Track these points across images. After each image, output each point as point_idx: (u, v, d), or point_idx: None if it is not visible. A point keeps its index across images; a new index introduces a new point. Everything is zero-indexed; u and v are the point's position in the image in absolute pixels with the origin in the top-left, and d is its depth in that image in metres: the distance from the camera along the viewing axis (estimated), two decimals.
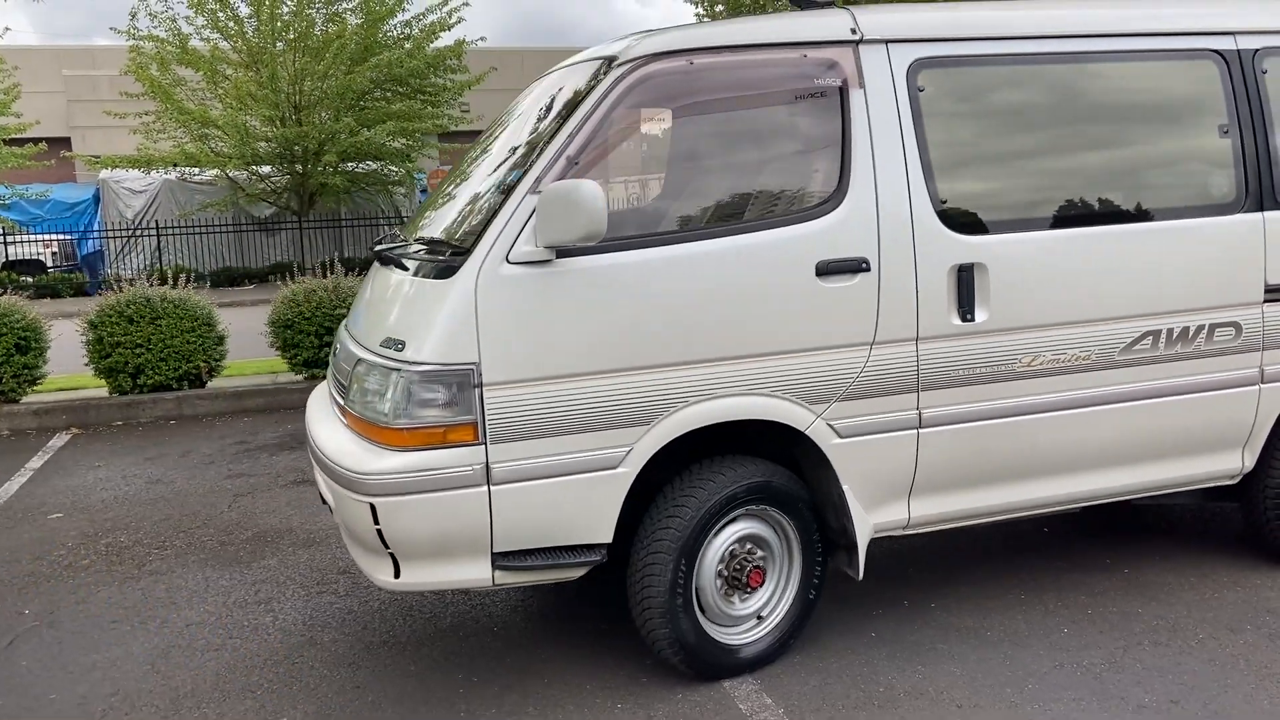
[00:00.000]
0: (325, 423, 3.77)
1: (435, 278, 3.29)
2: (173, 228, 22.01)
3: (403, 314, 3.38)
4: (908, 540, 4.47)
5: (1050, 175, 3.81)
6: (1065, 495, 3.92)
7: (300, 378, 8.55)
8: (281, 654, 3.92)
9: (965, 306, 3.59)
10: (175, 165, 20.54)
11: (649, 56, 3.37)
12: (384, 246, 3.91)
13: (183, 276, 8.86)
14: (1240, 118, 3.95)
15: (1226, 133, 3.93)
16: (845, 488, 3.56)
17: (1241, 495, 4.26)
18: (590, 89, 3.34)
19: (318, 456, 3.59)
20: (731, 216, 3.42)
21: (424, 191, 25.30)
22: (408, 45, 21.64)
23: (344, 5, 21.11)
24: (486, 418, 3.19)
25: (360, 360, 3.45)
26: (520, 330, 3.21)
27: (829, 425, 3.52)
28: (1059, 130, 3.83)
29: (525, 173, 3.26)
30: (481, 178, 3.79)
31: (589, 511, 3.34)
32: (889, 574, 4.37)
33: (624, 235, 3.28)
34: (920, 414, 3.62)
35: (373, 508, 3.20)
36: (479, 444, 3.20)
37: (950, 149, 3.63)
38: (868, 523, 3.63)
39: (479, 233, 3.24)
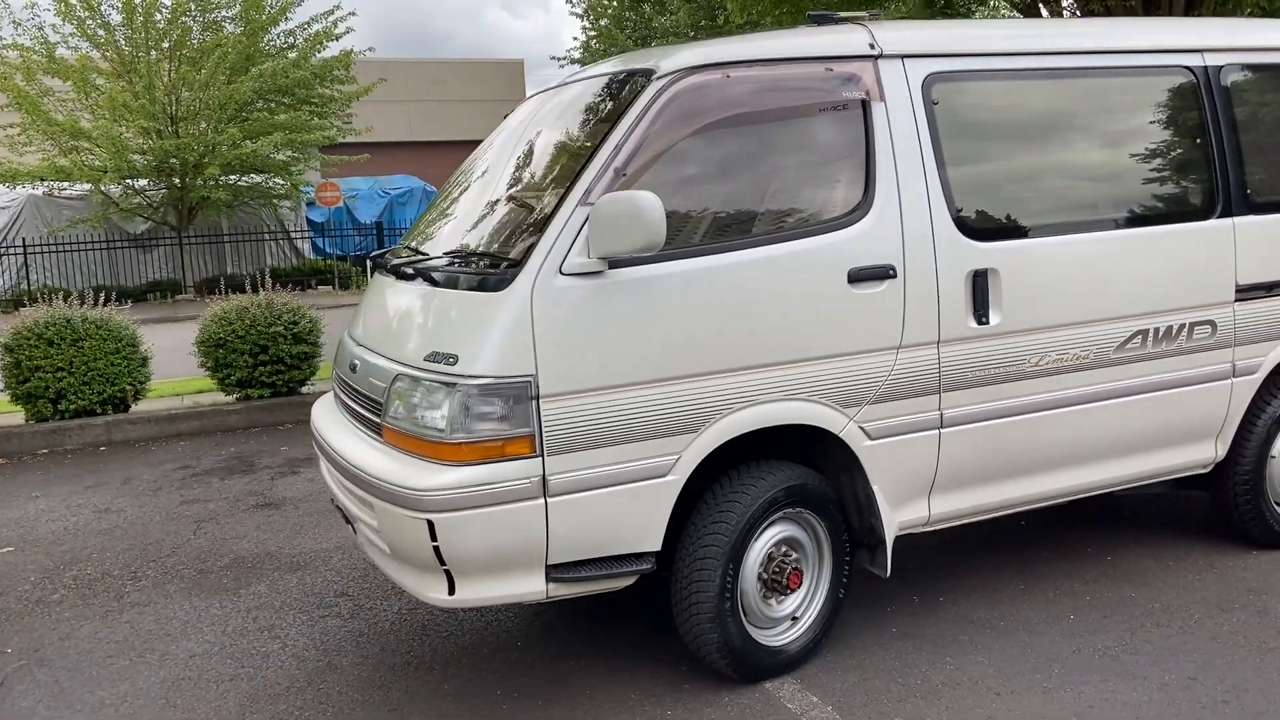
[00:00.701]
0: (345, 437, 3.70)
1: (483, 290, 3.27)
2: (40, 245, 20.89)
3: (449, 327, 3.34)
4: (900, 538, 4.61)
5: (1052, 184, 4.02)
6: (1067, 488, 4.12)
7: (231, 399, 8.27)
8: (303, 680, 3.81)
9: (980, 310, 3.76)
10: (43, 179, 19.54)
11: (688, 69, 3.43)
12: (399, 261, 3.86)
13: (101, 295, 8.47)
14: (1210, 129, 4.23)
15: (1200, 143, 4.21)
16: (875, 488, 3.68)
17: (1210, 483, 4.54)
18: (631, 100, 3.38)
19: (349, 472, 3.51)
20: (770, 226, 3.50)
21: (310, 204, 24.73)
22: (292, 55, 21.18)
23: (222, 14, 20.52)
24: (544, 430, 3.19)
25: (400, 376, 3.40)
26: (575, 341, 3.22)
27: (860, 428, 3.62)
28: (1059, 140, 4.04)
29: (572, 184, 3.27)
30: (501, 191, 3.79)
31: (640, 520, 3.37)
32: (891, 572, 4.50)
33: (670, 245, 3.32)
34: (942, 414, 3.77)
35: (430, 524, 3.16)
36: (536, 456, 3.19)
37: (963, 159, 3.79)
38: (894, 521, 3.75)
39: (529, 244, 3.23)
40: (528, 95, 4.45)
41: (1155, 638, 3.82)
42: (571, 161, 3.45)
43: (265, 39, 21.06)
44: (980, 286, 3.75)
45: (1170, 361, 4.16)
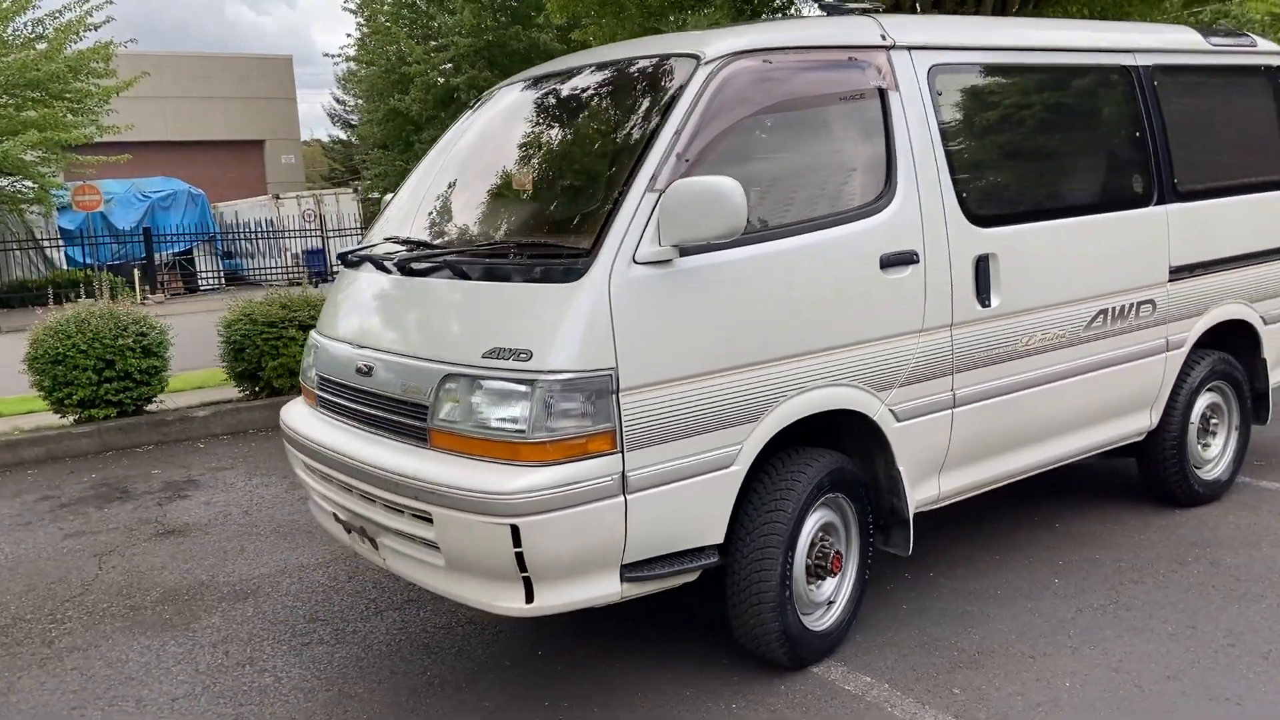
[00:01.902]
0: (358, 444, 3.45)
1: (553, 281, 3.12)
2: None
3: (514, 322, 3.15)
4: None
5: (1033, 171, 4.25)
6: (1045, 460, 4.38)
7: (69, 420, 7.47)
8: (320, 714, 3.51)
9: (984, 293, 3.93)
10: None
11: (734, 54, 3.40)
12: (408, 255, 3.61)
13: None
14: (1146, 122, 4.60)
15: (1139, 136, 4.57)
16: (900, 469, 3.77)
17: (1140, 451, 4.94)
18: (683, 85, 3.32)
19: (382, 481, 3.27)
20: (814, 212, 3.52)
21: (64, 209, 22.71)
22: (41, 46, 19.43)
23: None
24: (624, 424, 3.08)
25: (451, 376, 3.19)
26: (650, 332, 3.13)
27: (890, 410, 3.71)
28: (1037, 130, 4.28)
29: (634, 170, 3.17)
30: (525, 178, 3.63)
31: (707, 513, 3.32)
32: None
33: None
34: (954, 394, 3.91)
35: (514, 529, 2.98)
36: (617, 453, 3.08)
37: (962, 147, 3.94)
38: (914, 500, 3.86)
39: (597, 233, 3.11)
40: (500, 91, 4.21)
41: (1138, 594, 4.11)
42: (621, 147, 3.35)
43: (9, 28, 19.21)
44: (983, 271, 3.92)
45: (1124, 338, 4.49)
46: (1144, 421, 4.75)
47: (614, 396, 3.06)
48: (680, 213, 3.05)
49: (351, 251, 4.14)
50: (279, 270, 25.14)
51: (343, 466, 3.54)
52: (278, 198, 27.90)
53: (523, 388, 3.03)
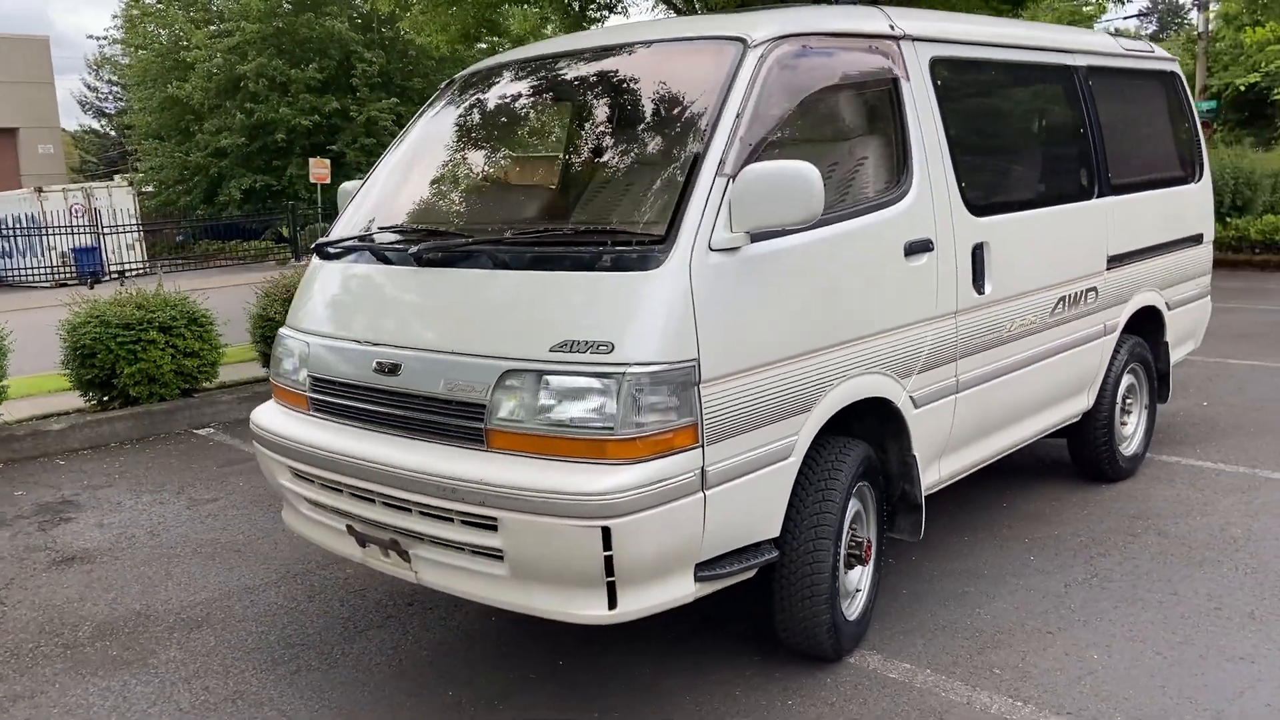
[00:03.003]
0: (388, 449, 3.18)
1: (628, 269, 2.95)
2: None
3: (588, 312, 2.96)
4: None
5: (1015, 163, 4.40)
6: (1014, 442, 4.54)
7: None
8: None
9: (979, 280, 4.03)
10: None
11: (778, 39, 3.34)
12: (432, 245, 3.33)
13: None
14: (1087, 119, 4.85)
15: (1082, 131, 4.82)
16: (915, 454, 3.82)
17: (1073, 431, 5.21)
18: (736, 68, 3.22)
19: (431, 488, 3.01)
20: (853, 198, 3.51)
21: None
22: None
23: None
24: (704, 417, 2.97)
25: (512, 372, 2.98)
26: (724, 321, 3.03)
27: (910, 397, 3.75)
28: (1013, 122, 4.44)
29: (702, 155, 3.06)
30: (558, 162, 3.42)
31: (769, 507, 3.25)
32: None
33: None
34: (958, 380, 3.99)
35: (605, 531, 2.81)
36: (698, 447, 2.96)
37: (959, 137, 4.03)
38: (925, 485, 3.92)
39: (670, 219, 2.98)
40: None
41: (1111, 566, 4.33)
42: (678, 130, 3.23)
43: None
44: (978, 259, 4.02)
45: (1076, 324, 4.73)
46: (1084, 402, 5.01)
47: (696, 389, 2.94)
48: (756, 198, 2.97)
49: (332, 243, 3.81)
50: (44, 270, 23.01)
51: (363, 473, 3.25)
52: (40, 190, 25.53)
53: (606, 382, 2.86)
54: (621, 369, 2.85)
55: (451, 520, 3.07)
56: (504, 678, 3.60)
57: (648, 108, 3.43)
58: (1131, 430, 5.46)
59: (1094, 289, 4.82)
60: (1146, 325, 5.44)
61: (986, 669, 3.52)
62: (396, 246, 3.51)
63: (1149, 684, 3.38)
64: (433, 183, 3.76)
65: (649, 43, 3.61)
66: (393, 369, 3.27)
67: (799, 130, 3.41)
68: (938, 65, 3.96)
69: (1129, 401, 5.43)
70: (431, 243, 3.33)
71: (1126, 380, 5.33)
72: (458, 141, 3.85)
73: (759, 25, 3.36)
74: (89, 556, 4.91)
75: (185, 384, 7.57)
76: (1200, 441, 5.99)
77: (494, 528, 2.97)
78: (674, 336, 2.90)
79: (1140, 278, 5.20)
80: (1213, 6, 26.63)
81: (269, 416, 3.76)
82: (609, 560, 2.85)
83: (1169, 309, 5.55)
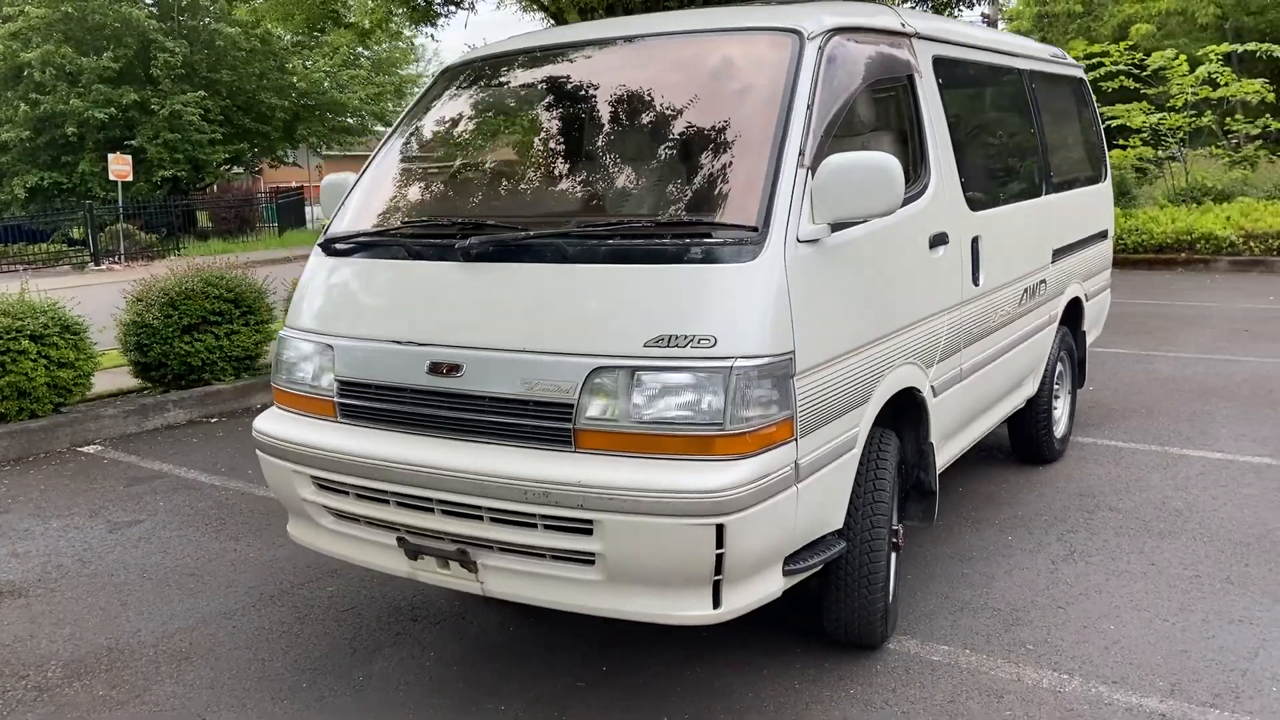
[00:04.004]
0: (457, 455, 3.02)
1: (716, 261, 2.89)
2: None
3: (684, 305, 2.86)
4: None
5: (996, 160, 4.57)
6: (987, 428, 4.73)
7: None
8: None
9: (975, 273, 4.18)
10: None
11: (830, 31, 3.37)
12: (485, 239, 3.15)
13: None
14: (1035, 119, 5.11)
15: (1032, 131, 5.07)
16: (932, 441, 3.92)
17: (1014, 416, 5.47)
18: (799, 60, 3.22)
19: (528, 492, 2.87)
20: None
21: None
22: None
23: None
24: (798, 410, 2.95)
25: (602, 370, 2.87)
26: (811, 312, 3.02)
27: (931, 386, 3.85)
28: (991, 122, 4.61)
29: (780, 146, 3.04)
30: (622, 152, 3.32)
31: (839, 499, 3.26)
32: None
33: None
34: (961, 369, 4.13)
35: (719, 529, 2.76)
36: (793, 440, 2.95)
37: (957, 132, 4.16)
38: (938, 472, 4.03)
39: (757, 210, 2.95)
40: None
41: (1084, 541, 4.57)
42: (748, 121, 3.19)
43: None
44: (975, 251, 4.17)
45: (1033, 314, 4.98)
46: (1032, 388, 5.28)
47: (792, 381, 2.92)
48: (840, 190, 2.97)
49: (343, 238, 3.57)
50: None
51: (420, 480, 3.06)
52: None
53: (712, 376, 2.80)
54: (728, 362, 2.80)
55: (534, 526, 2.94)
56: (550, 687, 3.47)
57: (704, 97, 3.37)
58: (1059, 414, 5.78)
59: (1044, 281, 5.08)
60: (1071, 315, 5.78)
61: (1019, 646, 3.65)
62: (434, 241, 3.32)
63: (1171, 649, 3.59)
64: (458, 175, 3.58)
65: (689, 32, 3.56)
66: (452, 370, 3.09)
67: (852, 122, 3.44)
68: (939, 64, 4.08)
69: (1058, 387, 5.75)
70: (486, 237, 3.16)
71: (1058, 367, 5.64)
72: (480, 131, 3.69)
73: (808, 17, 3.36)
74: (18, 590, 4.41)
75: (58, 398, 6.92)
76: (1104, 424, 6.41)
77: (588, 531, 2.86)
78: (775, 328, 2.87)
79: (1072, 270, 5.52)
80: (1001, 25, 28.62)
81: (279, 425, 3.49)
82: (719, 558, 2.79)
83: (1087, 299, 5.91)
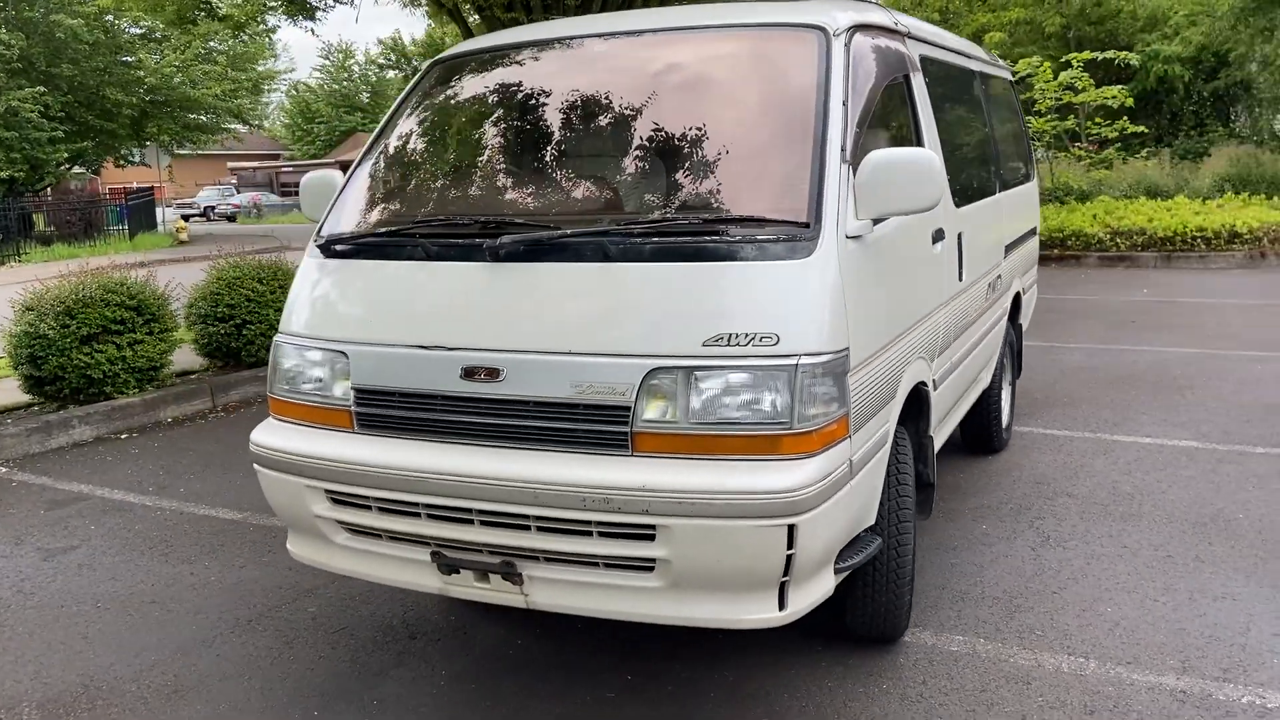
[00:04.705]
0: (499, 461, 2.89)
1: (770, 258, 2.84)
2: None
3: (736, 303, 2.80)
4: None
5: (965, 157, 4.65)
6: (958, 420, 4.83)
7: None
8: None
9: (960, 268, 4.26)
10: None
11: (852, 28, 3.37)
12: (517, 238, 3.00)
13: None
14: (988, 119, 5.25)
15: (988, 129, 5.20)
16: (932, 434, 3.97)
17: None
18: (828, 57, 3.20)
19: (586, 499, 2.77)
20: None
21: None
22: None
23: None
24: (851, 407, 2.93)
25: (660, 370, 2.79)
26: (858, 308, 3.01)
27: (933, 380, 3.90)
28: (962, 121, 4.69)
29: (822, 141, 3.01)
30: (655, 148, 3.23)
31: (875, 495, 3.26)
32: None
33: None
34: (951, 362, 4.20)
35: (790, 529, 2.71)
36: (848, 437, 2.93)
37: (941, 131, 4.23)
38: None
39: (809, 206, 2.91)
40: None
41: (1054, 527, 4.71)
42: (784, 117, 3.16)
43: None
44: (959, 247, 4.25)
45: (993, 308, 5.11)
46: (989, 379, 5.42)
47: (847, 378, 2.90)
48: (885, 185, 2.97)
49: (348, 238, 3.38)
50: None
51: (460, 491, 2.92)
52: None
53: (775, 374, 2.75)
54: (792, 360, 2.75)
55: (588, 533, 2.83)
56: (579, 701, 3.36)
57: (732, 93, 3.31)
58: (1005, 404, 5.96)
59: (1000, 275, 5.23)
60: (1014, 308, 5.96)
61: (1028, 632, 3.73)
62: (455, 241, 3.17)
63: (1170, 628, 3.72)
64: (471, 171, 3.43)
65: (705, 27, 3.50)
66: (490, 374, 2.95)
67: (874, 118, 3.44)
68: (924, 63, 4.13)
69: (1001, 378, 5.92)
70: (517, 236, 3.02)
71: (1004, 359, 5.82)
72: (491, 126, 3.53)
73: (824, 14, 3.35)
74: None
75: None
76: (1035, 413, 6.64)
77: (650, 537, 2.77)
78: (833, 325, 2.84)
79: (1016, 265, 5.70)
80: None
81: (283, 438, 3.28)
82: (789, 559, 2.75)
83: (1023, 293, 6.12)
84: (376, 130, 3.73)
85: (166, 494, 5.60)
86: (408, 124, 3.71)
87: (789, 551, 2.73)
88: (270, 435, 3.33)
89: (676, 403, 2.80)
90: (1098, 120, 17.15)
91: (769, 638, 3.69)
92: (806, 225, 2.88)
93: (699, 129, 3.24)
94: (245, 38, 29.57)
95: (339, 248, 3.39)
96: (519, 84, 3.60)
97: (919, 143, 3.85)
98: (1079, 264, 14.16)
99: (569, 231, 3.00)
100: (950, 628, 3.77)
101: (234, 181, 55.39)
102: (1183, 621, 3.77)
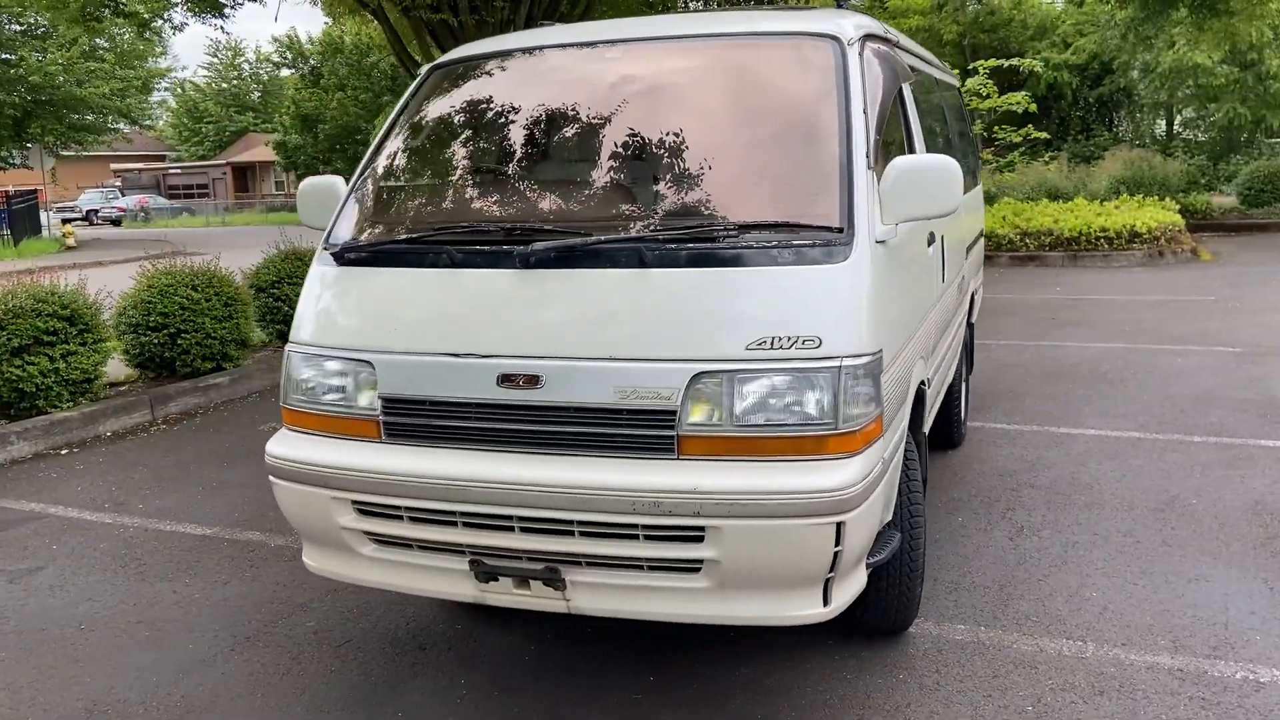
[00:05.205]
0: (541, 468, 2.90)
1: (807, 263, 2.91)
2: None
3: (777, 307, 2.85)
4: None
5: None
6: (933, 419, 4.97)
7: None
8: None
9: (943, 269, 4.40)
10: None
11: (864, 38, 3.45)
12: (551, 245, 3.01)
13: None
14: (947, 123, 5.42)
15: (949, 135, 5.37)
16: (924, 432, 4.10)
17: None
18: (844, 65, 3.28)
19: (636, 503, 2.79)
20: None
21: None
22: None
23: None
24: (884, 406, 3.02)
25: (705, 375, 2.83)
26: (886, 310, 3.10)
27: (927, 379, 4.02)
28: (937, 124, 4.83)
29: (848, 147, 3.09)
30: (680, 152, 3.26)
31: (894, 492, 3.35)
32: None
33: None
34: (939, 362, 4.33)
35: (839, 527, 2.78)
36: (882, 436, 3.01)
37: (922, 133, 4.35)
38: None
39: (841, 210, 2.99)
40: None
41: (1025, 517, 4.89)
42: (807, 124, 3.22)
43: None
44: (939, 249, 4.38)
45: (959, 308, 5.28)
46: (954, 375, 5.59)
47: (881, 378, 2.98)
48: (910, 190, 3.06)
49: (363, 246, 3.34)
50: None
51: (502, 498, 2.91)
52: None
53: (820, 376, 2.82)
54: (835, 362, 2.82)
55: (634, 537, 2.86)
56: (607, 703, 3.38)
57: (752, 99, 3.36)
58: (963, 400, 6.16)
59: (964, 275, 5.41)
60: (970, 307, 6.17)
61: (1024, 619, 3.88)
62: (482, 248, 3.15)
63: (1155, 609, 3.91)
64: (491, 177, 3.40)
65: (717, 35, 3.54)
66: (530, 381, 2.95)
67: (885, 124, 3.53)
68: (910, 71, 4.26)
69: (960, 374, 6.12)
70: (551, 243, 3.02)
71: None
72: (506, 131, 3.50)
73: (835, 22, 3.43)
74: None
75: None
76: (984, 409, 6.86)
77: (699, 539, 2.81)
78: (870, 327, 2.92)
79: (973, 264, 5.90)
80: None
81: (304, 449, 3.22)
82: (836, 556, 2.82)
83: (976, 293, 6.33)
84: (379, 136, 3.69)
85: (125, 511, 5.41)
86: (413, 129, 3.67)
87: (836, 548, 2.80)
88: (288, 447, 3.26)
89: (721, 406, 2.84)
90: (1004, 126, 17.76)
91: (780, 636, 3.76)
92: (840, 230, 2.96)
93: (721, 135, 3.30)
94: (132, 35, 28.66)
95: (353, 255, 3.34)
96: (533, 89, 3.59)
97: (912, 149, 3.97)
98: (992, 264, 14.62)
99: (604, 238, 3.01)
100: (950, 617, 3.90)
101: (118, 184, 53.37)
102: (1164, 603, 3.96)
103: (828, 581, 2.88)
